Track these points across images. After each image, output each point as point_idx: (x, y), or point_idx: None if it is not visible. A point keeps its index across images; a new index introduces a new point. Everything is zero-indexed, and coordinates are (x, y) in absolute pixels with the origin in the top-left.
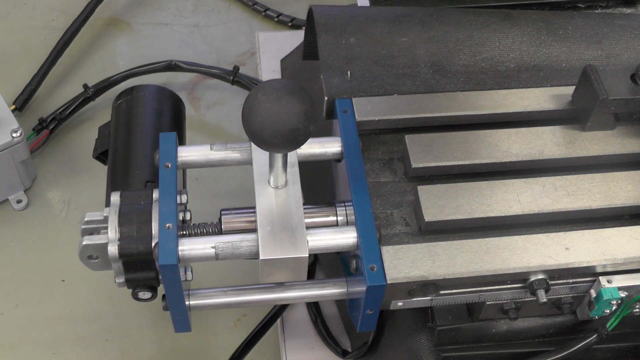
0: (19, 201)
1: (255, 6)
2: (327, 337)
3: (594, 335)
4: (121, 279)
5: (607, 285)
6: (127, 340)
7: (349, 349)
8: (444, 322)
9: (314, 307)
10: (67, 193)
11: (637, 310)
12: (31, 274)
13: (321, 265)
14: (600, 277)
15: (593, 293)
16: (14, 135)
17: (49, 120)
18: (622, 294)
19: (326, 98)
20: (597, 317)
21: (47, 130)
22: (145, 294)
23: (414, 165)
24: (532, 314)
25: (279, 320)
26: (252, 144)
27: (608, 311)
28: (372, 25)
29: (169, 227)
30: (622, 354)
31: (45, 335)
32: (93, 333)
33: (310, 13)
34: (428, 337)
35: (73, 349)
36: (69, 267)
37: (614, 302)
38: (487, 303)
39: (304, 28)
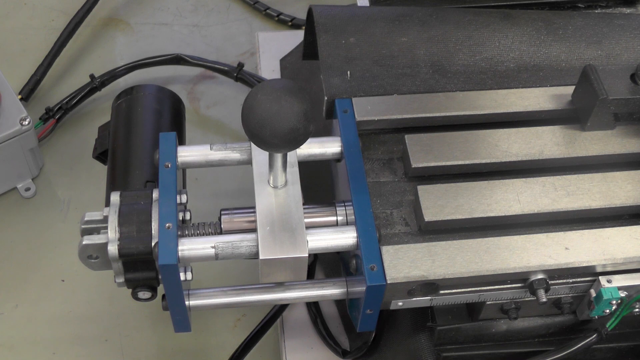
0: (27, 189)
1: (256, 5)
2: (327, 337)
3: (594, 335)
4: (121, 279)
5: (607, 285)
6: (127, 340)
7: (349, 349)
8: (444, 322)
9: (313, 307)
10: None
11: (637, 310)
12: (31, 274)
13: (321, 264)
14: (600, 277)
15: (593, 293)
16: (23, 123)
17: (55, 109)
18: (622, 294)
19: (326, 98)
20: (597, 317)
21: (53, 120)
22: (145, 294)
23: (414, 165)
24: (532, 314)
25: (279, 320)
26: (252, 144)
27: (608, 311)
28: (372, 25)
29: (169, 227)
30: (622, 353)
31: (45, 335)
32: (92, 333)
33: (310, 13)
34: (428, 337)
35: (72, 349)
36: (69, 267)
37: (614, 301)
38: (487, 303)
39: (303, 28)
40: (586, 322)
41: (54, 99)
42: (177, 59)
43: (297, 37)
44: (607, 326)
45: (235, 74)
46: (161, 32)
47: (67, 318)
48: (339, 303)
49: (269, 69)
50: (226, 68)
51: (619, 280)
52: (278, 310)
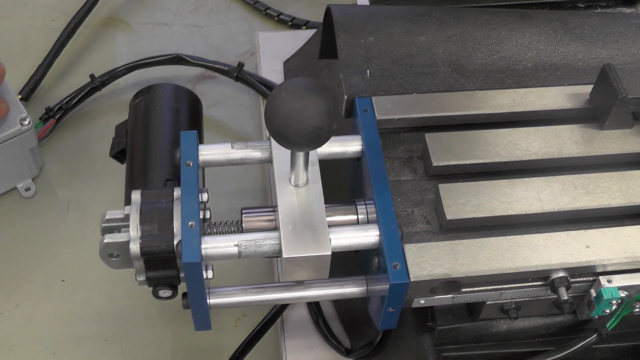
0: (27, 189)
1: (256, 5)
2: (330, 337)
3: (594, 335)
4: (142, 277)
5: (607, 285)
6: (127, 340)
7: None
8: (444, 322)
9: (314, 307)
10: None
11: (637, 310)
12: (31, 274)
13: None
14: (600, 277)
15: (593, 293)
16: (23, 123)
17: (55, 109)
18: (622, 294)
19: (346, 97)
20: (597, 317)
21: (53, 120)
22: (166, 292)
23: (435, 163)
24: (532, 313)
25: (279, 320)
26: (272, 142)
27: (608, 311)
28: (391, 24)
29: (191, 226)
30: (622, 353)
31: (45, 335)
32: (93, 333)
33: (328, 12)
34: (429, 337)
35: (73, 349)
36: (69, 267)
37: (614, 301)
38: (487, 303)
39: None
40: (586, 322)
41: (54, 99)
42: (177, 59)
43: (297, 37)
44: (607, 326)
45: (235, 74)
46: (161, 32)
47: (67, 318)
48: (338, 303)
49: (269, 69)
50: (226, 68)
51: (619, 280)
52: (278, 310)
